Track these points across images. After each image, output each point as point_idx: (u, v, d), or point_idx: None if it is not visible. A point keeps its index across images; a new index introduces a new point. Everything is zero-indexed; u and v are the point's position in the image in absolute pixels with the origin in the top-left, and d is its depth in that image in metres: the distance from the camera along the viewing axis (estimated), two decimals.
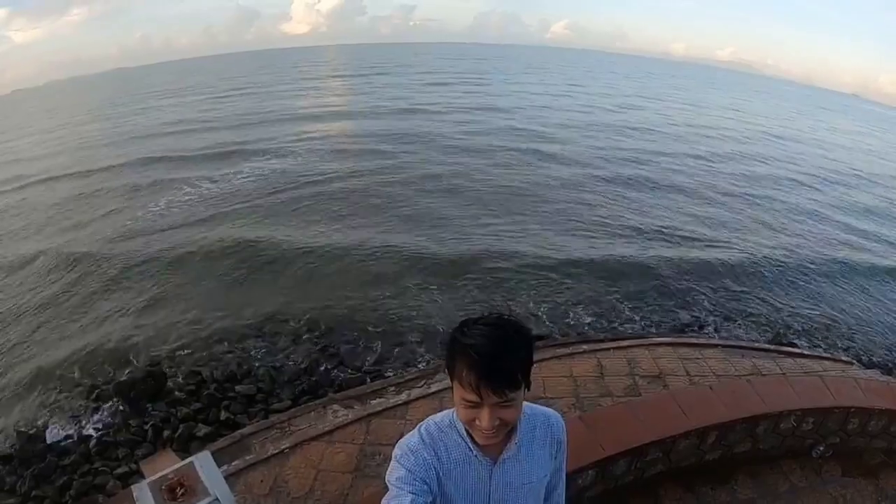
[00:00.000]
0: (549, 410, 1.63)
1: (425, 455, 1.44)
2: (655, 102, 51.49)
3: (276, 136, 27.51)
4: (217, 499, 2.57)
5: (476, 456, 1.46)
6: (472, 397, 1.28)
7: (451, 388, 1.37)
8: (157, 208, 17.06)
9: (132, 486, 2.61)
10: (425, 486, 1.40)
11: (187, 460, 2.78)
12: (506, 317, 1.38)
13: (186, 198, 18.00)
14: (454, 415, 1.48)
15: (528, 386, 1.35)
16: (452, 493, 1.48)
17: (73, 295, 11.81)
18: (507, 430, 1.41)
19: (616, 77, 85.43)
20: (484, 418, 1.30)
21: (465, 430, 1.43)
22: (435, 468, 1.44)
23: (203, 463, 2.76)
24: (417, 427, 1.53)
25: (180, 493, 2.58)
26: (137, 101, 55.52)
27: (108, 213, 17.05)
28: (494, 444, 1.44)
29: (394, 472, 1.42)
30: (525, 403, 1.44)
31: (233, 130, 30.10)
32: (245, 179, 19.82)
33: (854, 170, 27.38)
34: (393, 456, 1.47)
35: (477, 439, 1.42)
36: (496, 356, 1.25)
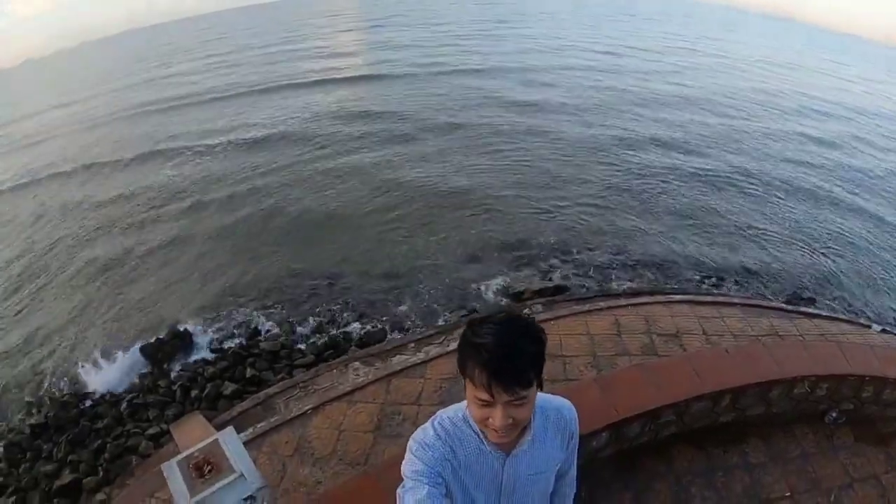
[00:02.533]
0: (563, 401, 1.65)
1: (441, 448, 1.48)
2: (712, 58, 41.70)
3: (256, 117, 23.67)
4: (242, 474, 2.67)
5: (490, 451, 1.50)
6: (485, 396, 1.30)
7: (464, 385, 1.39)
8: None
9: (161, 465, 2.74)
10: (440, 479, 1.45)
11: (212, 438, 2.89)
12: (515, 315, 1.39)
13: None
14: (466, 409, 1.51)
15: (540, 385, 1.37)
16: (467, 483, 1.53)
17: (91, 265, 12.09)
18: (518, 430, 1.44)
19: (656, 22, 78.09)
20: (497, 417, 1.33)
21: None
22: (450, 461, 1.49)
23: (228, 440, 2.87)
24: (431, 421, 1.57)
25: (207, 470, 2.69)
26: (123, 72, 50.71)
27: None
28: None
29: (410, 465, 1.46)
30: (538, 394, 1.45)
31: (207, 108, 27.06)
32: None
33: None
34: (408, 449, 1.51)
35: (490, 438, 1.45)
36: (507, 355, 1.27)
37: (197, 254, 11.79)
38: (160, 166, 18.66)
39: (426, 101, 23.75)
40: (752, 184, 15.29)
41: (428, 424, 1.56)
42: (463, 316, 8.94)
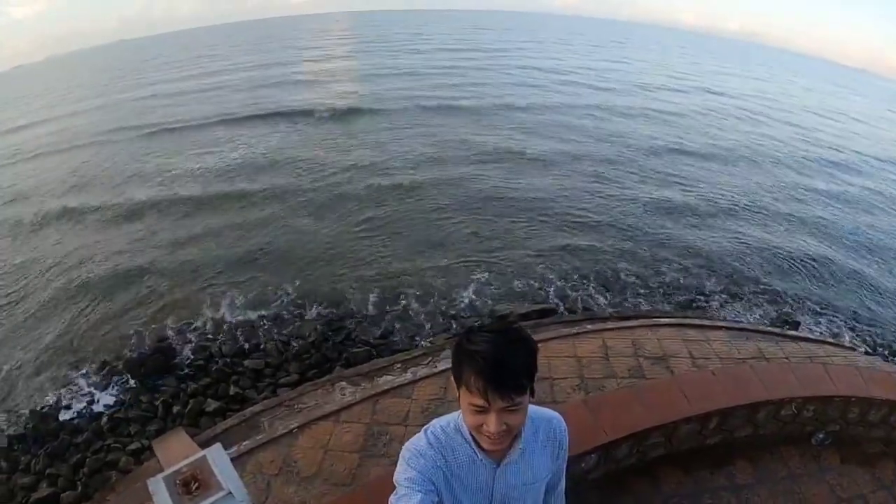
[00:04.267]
0: (552, 413, 1.67)
1: (434, 457, 1.49)
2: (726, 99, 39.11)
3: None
4: (230, 492, 2.62)
5: (481, 459, 1.51)
6: (480, 402, 1.32)
7: (458, 395, 1.41)
8: None
9: (148, 481, 2.68)
10: (432, 487, 1.45)
11: (200, 454, 2.83)
12: (509, 325, 1.43)
13: None
14: (459, 418, 1.53)
15: (532, 392, 1.39)
16: (458, 492, 1.54)
17: (73, 276, 11.90)
18: (512, 437, 1.45)
19: (656, 51, 79.78)
20: (491, 423, 1.34)
21: (471, 434, 1.48)
22: (442, 470, 1.50)
23: (215, 456, 2.81)
24: (424, 430, 1.58)
25: (194, 486, 2.64)
26: (100, 89, 46.98)
27: None
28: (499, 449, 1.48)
29: (403, 473, 1.47)
30: (529, 406, 1.47)
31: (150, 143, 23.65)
32: None
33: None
34: (401, 457, 1.52)
35: (483, 445, 1.46)
36: (502, 362, 1.29)
37: (178, 269, 11.66)
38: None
39: (403, 143, 21.77)
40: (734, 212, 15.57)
41: (421, 433, 1.57)
42: (448, 338, 8.91)
